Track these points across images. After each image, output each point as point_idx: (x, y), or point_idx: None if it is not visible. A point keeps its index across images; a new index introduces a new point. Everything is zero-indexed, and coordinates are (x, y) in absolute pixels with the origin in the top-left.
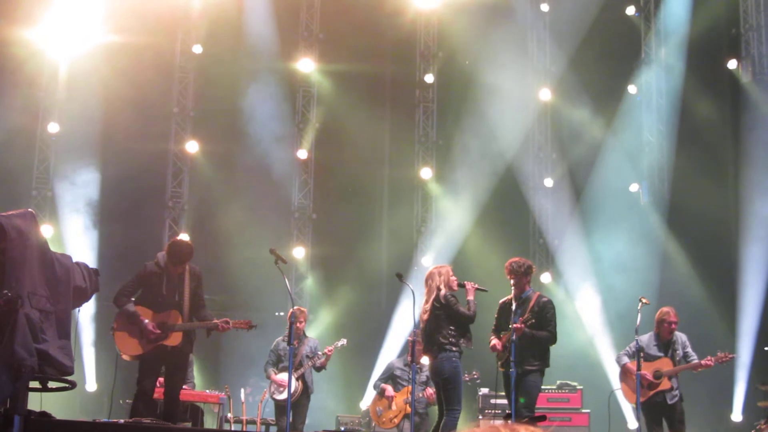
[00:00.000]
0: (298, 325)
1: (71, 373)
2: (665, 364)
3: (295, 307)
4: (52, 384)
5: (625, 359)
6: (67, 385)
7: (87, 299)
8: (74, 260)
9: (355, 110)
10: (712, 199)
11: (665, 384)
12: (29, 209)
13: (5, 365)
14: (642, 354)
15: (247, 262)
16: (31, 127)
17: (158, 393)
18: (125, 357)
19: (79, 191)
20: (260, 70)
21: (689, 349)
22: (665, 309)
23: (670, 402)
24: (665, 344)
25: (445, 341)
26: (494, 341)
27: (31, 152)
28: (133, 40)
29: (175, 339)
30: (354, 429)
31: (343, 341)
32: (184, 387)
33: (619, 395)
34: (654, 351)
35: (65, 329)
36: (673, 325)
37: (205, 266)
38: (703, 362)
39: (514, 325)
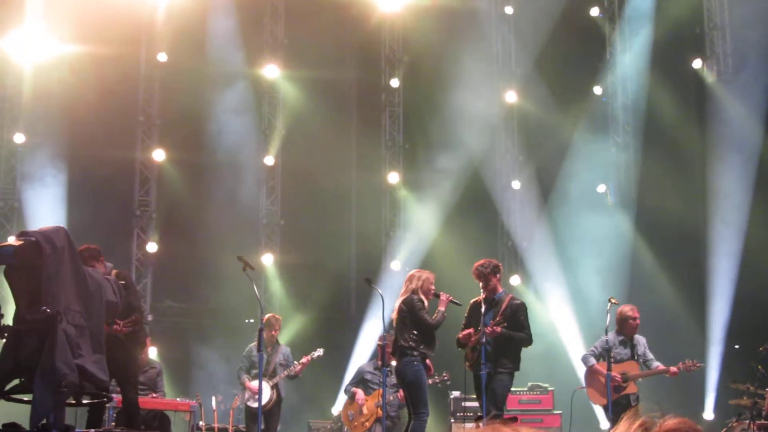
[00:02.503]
0: (273, 333)
1: (107, 387)
2: (632, 367)
3: (270, 314)
4: (85, 398)
5: (593, 360)
6: (103, 399)
7: (117, 314)
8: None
9: (321, 116)
10: (679, 198)
11: (632, 387)
12: (61, 225)
13: (47, 381)
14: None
15: (217, 270)
16: None
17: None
18: None
19: (46, 201)
20: (225, 77)
21: (648, 351)
22: (626, 307)
23: (633, 404)
24: (630, 343)
25: (405, 345)
26: (467, 331)
27: None
28: (97, 49)
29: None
30: None
31: (320, 352)
32: (154, 396)
33: (583, 394)
34: (620, 350)
35: (99, 343)
36: (637, 321)
37: (175, 274)
38: (670, 369)
39: (486, 329)
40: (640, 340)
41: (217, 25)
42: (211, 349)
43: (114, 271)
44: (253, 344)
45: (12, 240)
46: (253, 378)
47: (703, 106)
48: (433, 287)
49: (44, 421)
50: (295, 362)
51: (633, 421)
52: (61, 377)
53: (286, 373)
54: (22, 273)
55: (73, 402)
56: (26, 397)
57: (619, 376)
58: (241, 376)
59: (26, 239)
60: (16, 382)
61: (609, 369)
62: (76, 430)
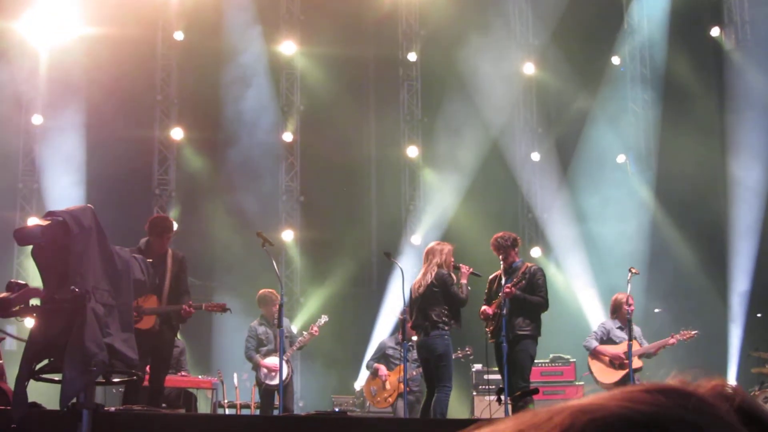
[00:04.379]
0: (273, 308)
1: (137, 365)
2: (633, 346)
3: (267, 290)
4: (115, 377)
5: (595, 343)
6: (133, 377)
7: (146, 292)
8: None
9: (339, 91)
10: (699, 167)
11: (636, 363)
12: (88, 204)
13: (77, 361)
14: (605, 339)
15: (236, 247)
16: (15, 120)
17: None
18: None
19: (65, 182)
20: (242, 55)
21: (643, 339)
22: (621, 294)
23: (636, 382)
24: (628, 327)
25: (438, 320)
26: (484, 307)
27: (15, 144)
28: (114, 29)
29: (147, 322)
30: (348, 409)
31: (325, 318)
32: (181, 374)
33: (589, 380)
34: (617, 333)
35: (128, 322)
36: (632, 307)
37: (193, 252)
38: (669, 341)
39: (504, 289)
40: (636, 330)
41: (233, 3)
42: (232, 327)
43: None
44: (255, 322)
45: (38, 220)
46: (264, 355)
47: (722, 74)
48: (452, 259)
49: (74, 401)
50: (304, 332)
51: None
52: (91, 356)
53: (296, 346)
54: (49, 253)
55: (103, 381)
56: (56, 377)
57: (622, 353)
58: (253, 357)
59: (53, 219)
60: (45, 362)
61: (630, 338)
62: (106, 408)
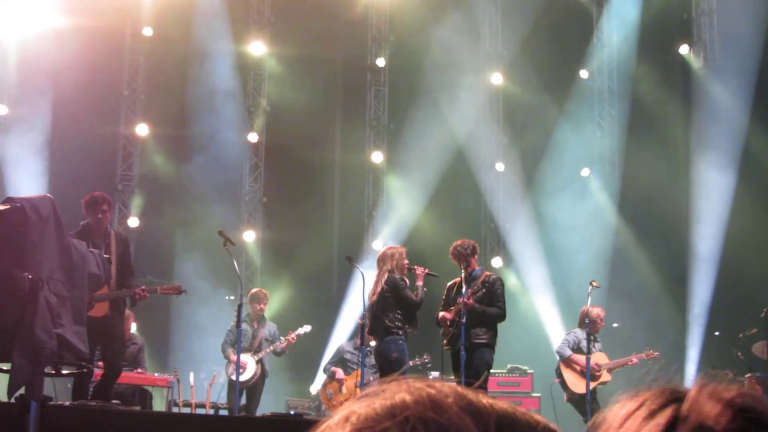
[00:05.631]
0: (259, 307)
1: (87, 358)
2: (602, 358)
3: (257, 289)
4: (64, 369)
5: (569, 351)
6: (83, 370)
7: (101, 287)
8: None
9: (306, 94)
10: (664, 183)
11: (606, 376)
12: (48, 194)
13: (26, 348)
14: (575, 348)
15: (198, 245)
16: None
17: (97, 375)
18: None
19: (28, 174)
20: (211, 53)
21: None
22: (597, 309)
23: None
24: (595, 339)
25: (391, 325)
26: (442, 313)
27: None
28: (83, 22)
29: (99, 309)
30: (304, 413)
31: (306, 328)
32: (137, 371)
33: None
34: (585, 345)
35: (80, 315)
36: (603, 323)
37: (154, 248)
38: (632, 359)
39: (463, 299)
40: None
41: (203, 1)
42: (191, 325)
43: (112, 231)
44: None
45: None
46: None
47: (689, 91)
48: (406, 261)
49: (22, 392)
50: (282, 338)
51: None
52: (40, 345)
53: (271, 348)
54: (5, 239)
55: (53, 372)
56: (5, 366)
57: (595, 364)
58: (226, 350)
59: (12, 205)
60: None
61: (588, 352)
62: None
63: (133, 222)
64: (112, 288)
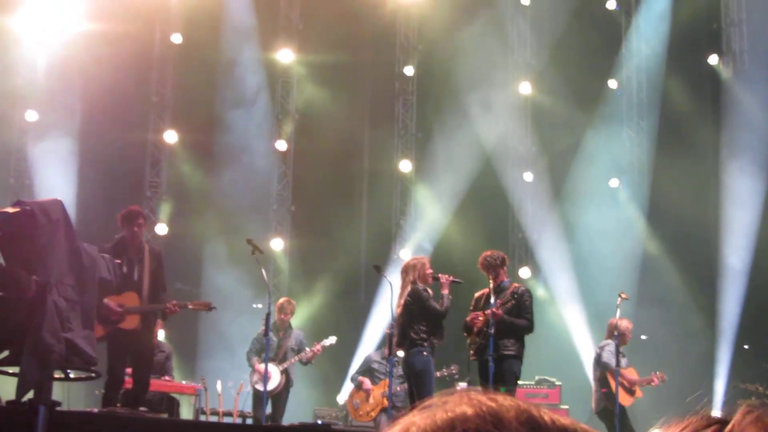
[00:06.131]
0: (284, 317)
1: (95, 363)
2: (633, 373)
3: (284, 299)
4: (73, 374)
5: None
6: (92, 375)
7: (111, 291)
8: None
9: (334, 101)
10: (692, 194)
11: (638, 393)
12: (58, 198)
13: (34, 352)
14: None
15: (226, 253)
16: (8, 115)
17: (127, 383)
18: None
19: (57, 180)
20: (239, 61)
21: None
22: (625, 321)
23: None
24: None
25: (416, 337)
26: (473, 314)
27: (8, 141)
28: (112, 28)
29: (130, 322)
30: (331, 422)
31: (332, 340)
32: (165, 378)
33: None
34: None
35: (90, 319)
36: (631, 335)
37: (181, 256)
38: (654, 380)
39: (492, 309)
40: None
41: (232, 8)
42: (219, 333)
43: (147, 245)
44: (263, 328)
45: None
46: (263, 361)
47: (718, 102)
48: (430, 271)
49: (30, 396)
50: (307, 348)
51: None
52: (48, 348)
53: (297, 358)
54: (15, 242)
55: (62, 377)
56: (14, 370)
57: (635, 379)
58: (251, 358)
59: (22, 208)
60: (6, 353)
61: (617, 364)
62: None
63: (162, 229)
64: (144, 302)
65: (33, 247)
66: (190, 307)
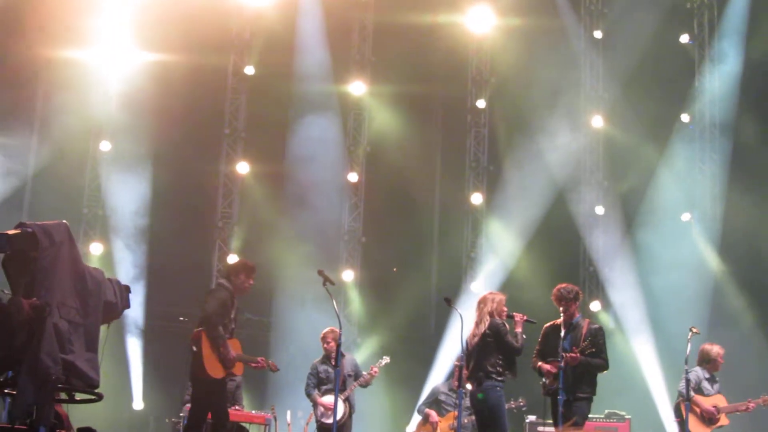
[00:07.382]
0: (326, 346)
1: (97, 386)
2: (721, 401)
3: (327, 329)
4: (78, 396)
5: (691, 391)
6: (93, 398)
7: (117, 316)
8: (106, 276)
9: (406, 134)
10: (765, 229)
11: (724, 420)
12: (63, 221)
13: (31, 373)
14: (695, 388)
15: (297, 284)
16: (83, 146)
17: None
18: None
19: (129, 210)
20: (312, 93)
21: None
22: (716, 347)
23: None
24: (714, 379)
25: (492, 370)
26: (545, 365)
27: (82, 170)
28: (185, 59)
29: (240, 368)
30: None
31: (386, 359)
32: (235, 407)
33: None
34: (706, 385)
35: (93, 343)
36: (723, 361)
37: (255, 287)
38: (750, 405)
39: (570, 355)
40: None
41: (305, 41)
42: (289, 364)
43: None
44: (316, 360)
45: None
46: (323, 394)
47: None
48: (505, 309)
49: (32, 417)
50: (364, 372)
51: None
52: (44, 370)
53: (356, 384)
54: (17, 264)
55: (66, 399)
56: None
57: (713, 407)
58: (312, 393)
59: (22, 230)
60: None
61: (687, 398)
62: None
63: (233, 259)
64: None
65: (35, 269)
66: (272, 370)
